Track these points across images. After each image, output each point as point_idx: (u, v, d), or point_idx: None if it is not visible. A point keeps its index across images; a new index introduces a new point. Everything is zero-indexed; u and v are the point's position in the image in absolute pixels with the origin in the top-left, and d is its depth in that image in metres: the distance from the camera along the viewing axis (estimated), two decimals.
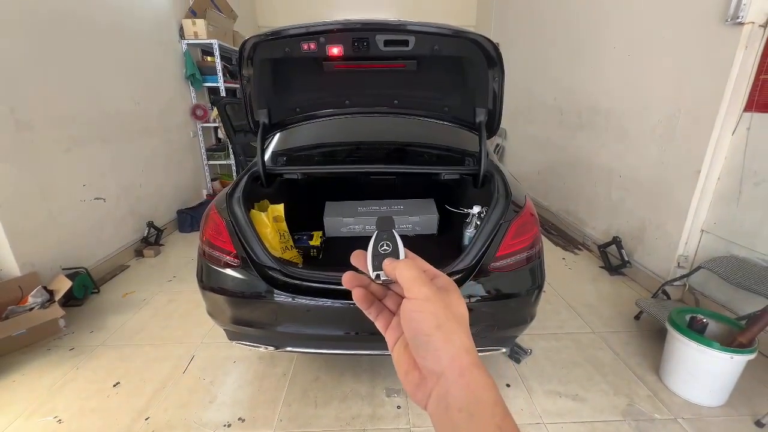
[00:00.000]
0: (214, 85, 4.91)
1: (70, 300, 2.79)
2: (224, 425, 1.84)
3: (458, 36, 1.66)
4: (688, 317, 2.00)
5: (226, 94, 4.96)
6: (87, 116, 3.13)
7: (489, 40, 1.65)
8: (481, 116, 1.98)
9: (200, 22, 4.51)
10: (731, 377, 1.86)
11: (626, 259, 3.21)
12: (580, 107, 3.94)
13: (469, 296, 1.63)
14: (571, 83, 4.11)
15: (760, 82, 2.24)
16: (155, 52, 4.11)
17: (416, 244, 2.46)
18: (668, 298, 2.67)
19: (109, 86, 3.38)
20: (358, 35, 1.68)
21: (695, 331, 1.91)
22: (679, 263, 2.76)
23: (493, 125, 1.99)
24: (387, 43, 1.70)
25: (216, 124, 5.04)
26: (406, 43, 1.70)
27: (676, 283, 2.68)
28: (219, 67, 4.78)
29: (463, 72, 1.91)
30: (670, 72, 2.78)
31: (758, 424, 1.81)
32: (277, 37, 1.69)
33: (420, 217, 2.50)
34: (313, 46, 1.72)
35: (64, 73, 2.91)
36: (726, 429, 1.80)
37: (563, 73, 4.26)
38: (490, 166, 2.04)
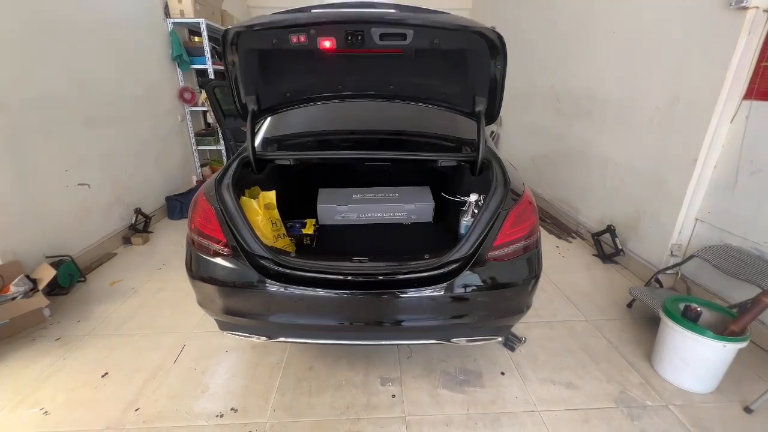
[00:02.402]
0: (202, 66, 4.73)
1: (56, 289, 2.72)
2: (216, 415, 1.82)
3: (461, 30, 1.58)
4: (682, 306, 2.02)
5: (215, 76, 4.79)
6: (67, 98, 2.99)
7: (494, 32, 1.56)
8: (480, 105, 1.92)
9: (186, 0, 4.31)
10: (722, 365, 1.88)
11: (620, 247, 3.22)
12: (577, 95, 3.88)
13: (466, 286, 1.61)
14: (569, 70, 4.04)
15: (761, 69, 2.21)
16: (139, 31, 3.93)
17: (412, 232, 2.42)
18: (661, 286, 2.69)
19: (90, 66, 3.22)
20: (353, 28, 1.59)
21: (689, 319, 1.92)
22: (672, 252, 2.78)
23: (492, 112, 1.93)
24: (383, 36, 1.62)
25: (205, 108, 4.89)
26: (403, 36, 1.62)
27: (668, 272, 2.70)
28: (207, 48, 4.60)
29: (463, 60, 1.83)
30: (670, 58, 2.74)
31: (747, 410, 1.85)
32: (263, 27, 1.60)
33: (416, 204, 2.45)
34: (303, 38, 1.64)
35: (40, 51, 2.75)
36: (716, 415, 1.83)
37: (561, 59, 4.18)
38: (488, 154, 1.99)
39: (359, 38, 1.59)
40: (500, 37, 1.58)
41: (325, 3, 1.62)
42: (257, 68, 1.89)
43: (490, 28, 1.56)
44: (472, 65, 1.82)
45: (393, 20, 1.55)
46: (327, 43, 1.63)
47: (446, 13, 1.56)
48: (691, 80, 2.57)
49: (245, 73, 1.88)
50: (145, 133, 4.01)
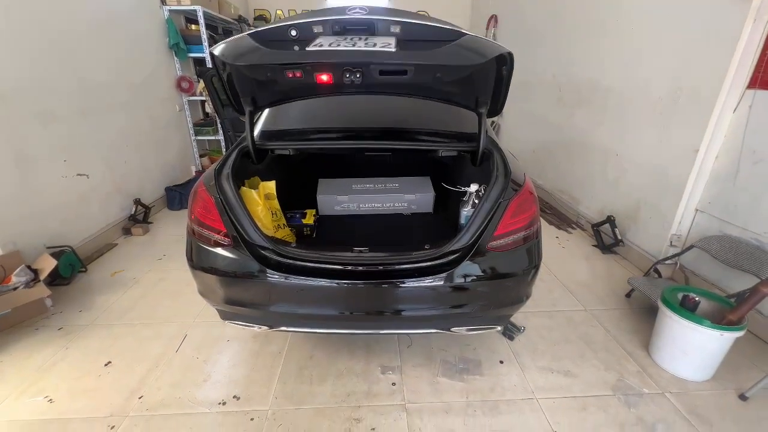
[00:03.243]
0: (200, 55, 4.68)
1: (57, 279, 2.73)
2: (219, 403, 1.84)
3: (466, 67, 1.53)
4: (680, 295, 2.03)
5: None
6: (64, 87, 2.96)
7: (504, 53, 1.49)
8: (483, 107, 1.87)
9: None
10: (719, 353, 1.90)
11: (619, 238, 3.23)
12: (579, 84, 3.85)
13: (466, 276, 1.61)
14: (571, 59, 3.99)
15: (766, 57, 2.18)
16: (135, 19, 3.86)
17: (412, 222, 2.42)
18: (659, 276, 2.70)
19: (86, 55, 3.18)
20: (351, 66, 1.53)
21: (687, 309, 1.93)
22: (671, 242, 2.78)
23: (496, 108, 1.88)
24: (383, 72, 1.57)
25: (203, 98, 4.85)
26: (404, 72, 1.56)
27: (667, 262, 2.71)
28: (204, 36, 4.53)
29: (468, 74, 1.78)
30: (673, 47, 2.70)
31: (742, 397, 1.87)
32: (256, 64, 1.56)
33: (416, 195, 2.44)
34: (299, 74, 1.60)
35: (36, 40, 2.71)
36: (712, 402, 1.86)
37: (563, 47, 4.13)
38: (488, 144, 1.98)
39: (358, 75, 1.54)
40: (511, 56, 1.53)
41: (328, 9, 1.54)
42: (252, 78, 1.84)
43: (503, 51, 1.47)
44: (477, 76, 1.76)
45: (394, 63, 1.48)
46: (324, 77, 1.59)
47: (460, 33, 1.45)
48: (695, 69, 2.54)
49: (240, 82, 1.83)
50: (143, 124, 3.97)
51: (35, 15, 2.70)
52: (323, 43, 1.43)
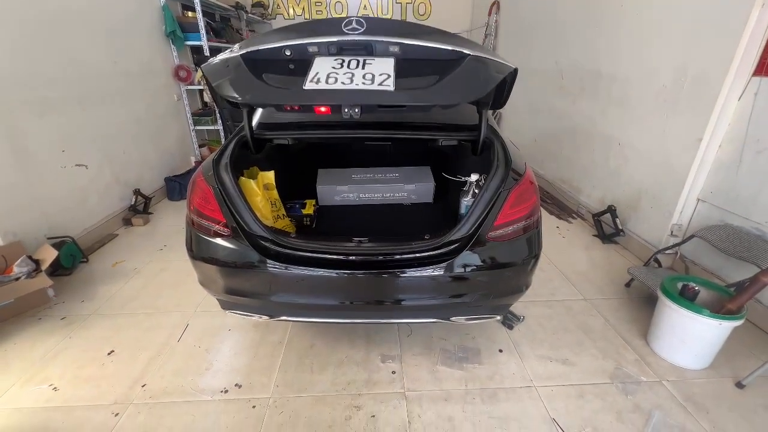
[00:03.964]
0: (197, 43, 4.60)
1: (59, 269, 2.74)
2: (221, 391, 1.87)
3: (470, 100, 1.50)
4: (679, 285, 2.03)
5: (211, 54, 4.67)
6: (60, 76, 2.92)
7: (510, 72, 1.49)
8: (484, 107, 1.85)
9: None
10: (717, 342, 1.91)
11: (620, 227, 3.22)
12: (582, 71, 3.79)
13: (465, 266, 1.61)
14: (574, 45, 3.92)
15: None
16: (130, 5, 3.79)
17: (412, 212, 2.42)
18: (660, 266, 2.70)
19: (80, 43, 3.14)
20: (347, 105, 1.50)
21: (686, 298, 1.94)
22: (672, 232, 2.77)
23: (499, 102, 1.85)
24: (382, 106, 1.56)
25: (201, 87, 4.79)
26: (402, 106, 1.53)
27: (668, 252, 2.71)
28: (201, 23, 4.46)
29: None
30: (678, 33, 2.65)
31: (739, 385, 1.89)
32: (252, 103, 1.53)
33: (416, 185, 2.43)
34: (297, 107, 1.58)
35: (29, 28, 2.67)
36: (708, 390, 1.88)
37: (566, 34, 4.05)
38: (489, 133, 1.96)
39: (357, 110, 1.52)
40: (515, 72, 1.54)
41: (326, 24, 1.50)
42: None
43: (509, 70, 1.47)
44: None
45: (389, 104, 1.46)
46: (323, 109, 1.57)
47: (461, 54, 1.43)
48: (700, 56, 2.49)
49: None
50: (141, 113, 3.94)
51: (27, 2, 2.65)
52: (320, 75, 1.39)
